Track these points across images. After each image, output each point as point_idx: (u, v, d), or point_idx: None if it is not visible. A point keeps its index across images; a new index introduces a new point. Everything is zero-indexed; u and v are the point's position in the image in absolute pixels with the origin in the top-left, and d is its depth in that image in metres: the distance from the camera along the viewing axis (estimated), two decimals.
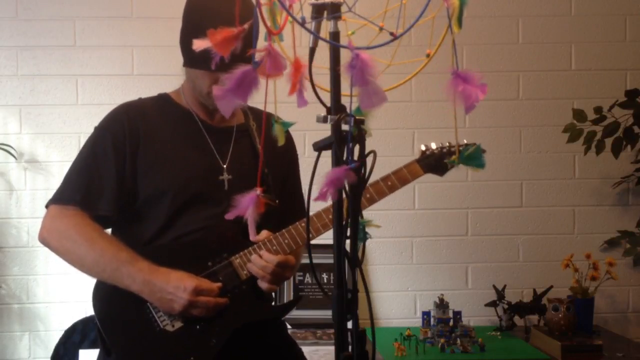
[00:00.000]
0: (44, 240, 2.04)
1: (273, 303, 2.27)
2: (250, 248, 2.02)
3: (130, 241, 2.01)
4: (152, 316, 1.98)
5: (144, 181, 2.03)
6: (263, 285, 2.00)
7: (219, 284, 1.99)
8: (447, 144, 2.11)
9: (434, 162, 2.09)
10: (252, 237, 1.25)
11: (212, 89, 2.01)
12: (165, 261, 1.98)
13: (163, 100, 2.15)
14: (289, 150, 2.22)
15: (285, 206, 2.08)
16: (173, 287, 1.93)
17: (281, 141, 1.22)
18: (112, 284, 1.97)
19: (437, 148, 2.10)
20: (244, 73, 1.08)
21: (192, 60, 2.02)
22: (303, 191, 2.26)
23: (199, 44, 1.10)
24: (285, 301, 3.23)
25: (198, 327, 1.98)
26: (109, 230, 2.10)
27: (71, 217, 2.00)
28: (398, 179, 2.07)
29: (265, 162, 2.11)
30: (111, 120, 2.08)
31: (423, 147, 2.12)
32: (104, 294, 2.01)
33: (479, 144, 1.38)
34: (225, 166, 2.08)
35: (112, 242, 1.99)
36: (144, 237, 2.03)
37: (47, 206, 2.06)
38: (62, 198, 2.03)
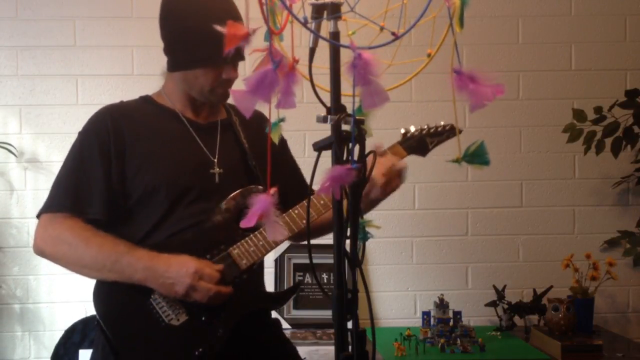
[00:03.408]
0: (39, 250, 2.03)
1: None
2: (247, 237, 2.02)
3: None
4: (156, 312, 1.98)
5: (134, 181, 2.02)
6: (376, 192, 1.97)
7: (220, 266, 1.98)
8: (426, 126, 2.11)
9: (416, 144, 2.09)
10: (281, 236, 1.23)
11: (216, 85, 2.02)
12: None
13: (145, 101, 2.16)
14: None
15: (284, 190, 2.06)
16: (175, 271, 1.93)
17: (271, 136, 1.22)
18: (114, 279, 1.97)
19: (416, 130, 2.11)
20: (264, 73, 1.07)
21: (194, 60, 2.01)
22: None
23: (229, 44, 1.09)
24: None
25: (204, 318, 1.99)
26: None
27: (63, 222, 2.00)
28: None
29: (252, 154, 2.12)
30: (95, 122, 2.08)
31: (403, 130, 2.12)
32: (105, 295, 2.01)
33: (482, 140, 1.31)
34: (215, 160, 2.08)
35: (107, 237, 1.99)
36: (137, 236, 2.02)
37: (38, 216, 2.05)
38: (52, 206, 2.03)
